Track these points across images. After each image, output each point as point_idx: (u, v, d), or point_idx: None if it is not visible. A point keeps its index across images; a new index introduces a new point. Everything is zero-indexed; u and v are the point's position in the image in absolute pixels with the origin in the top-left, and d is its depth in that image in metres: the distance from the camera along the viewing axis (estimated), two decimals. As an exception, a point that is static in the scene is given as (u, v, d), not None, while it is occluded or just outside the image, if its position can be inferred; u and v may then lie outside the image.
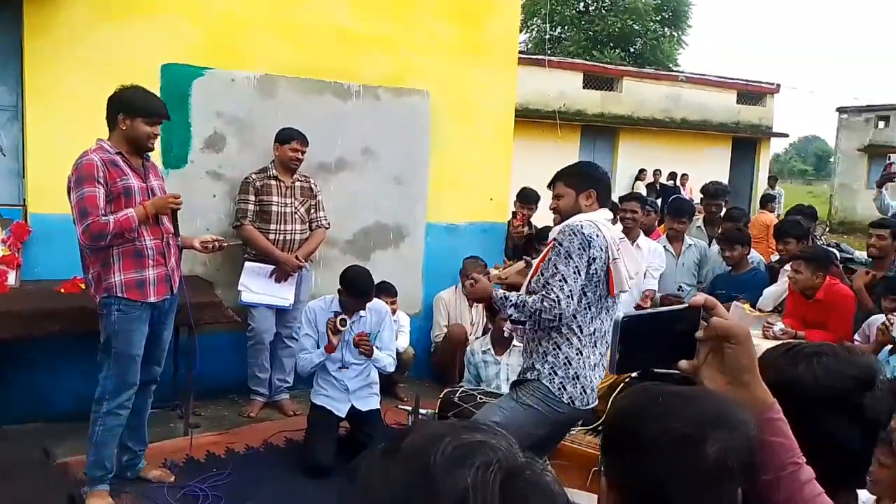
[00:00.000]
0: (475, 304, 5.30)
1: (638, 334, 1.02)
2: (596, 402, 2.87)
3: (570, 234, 2.71)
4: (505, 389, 3.94)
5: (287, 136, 4.49)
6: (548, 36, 27.38)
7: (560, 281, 2.68)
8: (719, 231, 5.67)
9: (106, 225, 3.12)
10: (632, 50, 29.20)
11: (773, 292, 4.69)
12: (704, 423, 0.90)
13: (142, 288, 3.28)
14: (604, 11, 28.92)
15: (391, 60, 5.16)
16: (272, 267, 4.50)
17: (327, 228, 4.73)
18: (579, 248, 2.69)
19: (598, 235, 2.73)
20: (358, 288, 3.99)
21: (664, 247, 5.29)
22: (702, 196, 6.14)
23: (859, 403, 1.21)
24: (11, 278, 4.05)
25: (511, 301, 2.79)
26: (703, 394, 0.96)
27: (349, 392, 4.07)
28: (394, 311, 4.69)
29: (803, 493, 0.97)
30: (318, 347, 4.03)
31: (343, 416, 4.06)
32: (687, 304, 1.03)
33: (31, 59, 4.10)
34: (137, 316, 3.29)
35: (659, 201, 13.70)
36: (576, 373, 2.76)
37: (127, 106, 3.24)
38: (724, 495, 0.90)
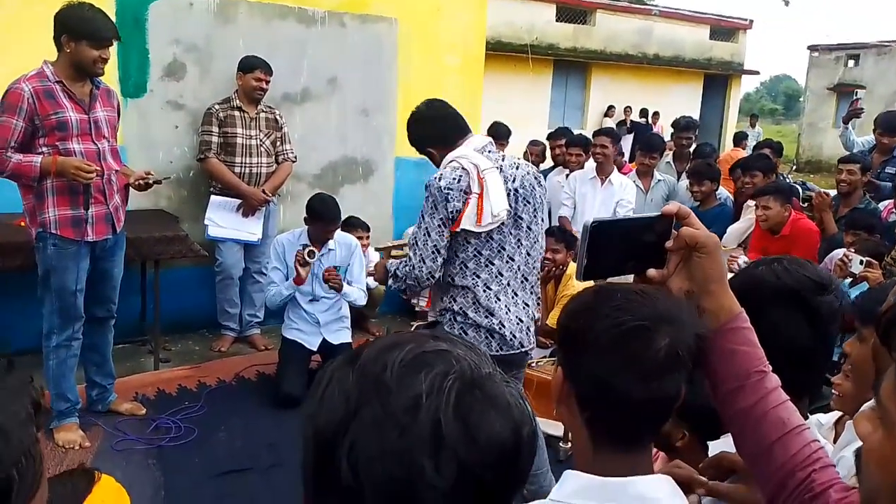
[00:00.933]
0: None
1: (607, 241, 1.01)
2: (525, 344, 2.73)
3: (426, 193, 2.57)
4: None
5: (250, 65, 4.34)
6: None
7: (421, 239, 2.57)
8: (688, 166, 5.69)
9: (5, 162, 2.94)
10: (605, -17, 28.64)
11: (737, 229, 4.74)
12: (655, 317, 0.92)
13: (78, 226, 3.14)
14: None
15: (357, -15, 4.97)
16: (239, 201, 4.41)
17: (294, 161, 4.64)
18: (432, 207, 2.54)
19: (458, 179, 2.53)
20: (324, 214, 3.94)
21: (633, 181, 5.30)
22: (672, 130, 6.14)
23: (815, 304, 1.29)
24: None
25: (390, 269, 2.72)
26: (656, 293, 0.97)
27: (320, 325, 4.08)
28: (365, 248, 4.67)
29: (768, 399, 0.98)
30: (287, 280, 4.01)
31: (314, 349, 4.07)
32: (659, 213, 1.02)
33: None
34: (74, 252, 3.15)
35: (630, 137, 13.74)
36: (475, 321, 2.62)
37: (71, 27, 2.98)
38: (670, 385, 0.93)
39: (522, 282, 2.70)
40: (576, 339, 0.97)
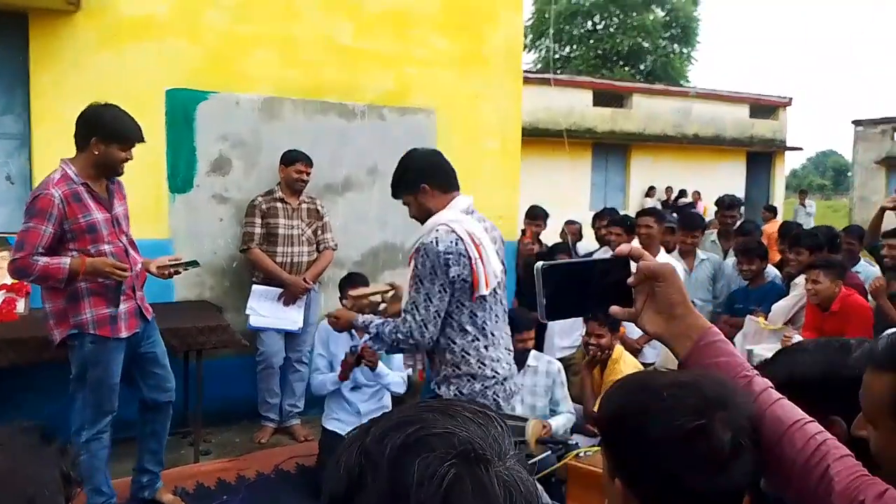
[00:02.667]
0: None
1: (562, 282, 1.05)
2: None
3: (422, 256, 2.52)
4: (519, 410, 3.86)
5: (291, 158, 4.48)
6: (556, 55, 27.51)
7: (422, 304, 2.53)
8: (735, 244, 5.58)
9: (32, 265, 2.94)
10: (641, 68, 29.27)
11: (784, 307, 4.56)
12: (709, 407, 0.92)
13: (114, 324, 3.17)
14: (612, 30, 29.04)
15: (394, 78, 5.15)
16: (280, 290, 4.46)
17: (335, 250, 4.70)
18: (431, 272, 2.51)
19: (456, 243, 2.51)
20: (356, 280, 4.00)
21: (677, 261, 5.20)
22: (716, 208, 6.06)
23: None
24: (20, 306, 4.04)
25: (372, 330, 2.66)
26: (698, 378, 0.97)
27: (360, 415, 4.01)
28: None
29: (760, 401, 0.98)
30: (331, 368, 3.99)
31: (354, 440, 3.98)
32: (612, 255, 1.09)
33: (37, 87, 4.13)
34: (113, 346, 3.18)
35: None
36: (480, 374, 2.67)
37: (102, 129, 3.03)
38: (739, 474, 0.92)
39: (504, 334, 2.78)
40: (630, 442, 0.95)
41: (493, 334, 2.68)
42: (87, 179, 3.09)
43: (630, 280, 1.06)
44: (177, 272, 3.43)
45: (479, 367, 2.65)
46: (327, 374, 4.00)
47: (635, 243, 5.20)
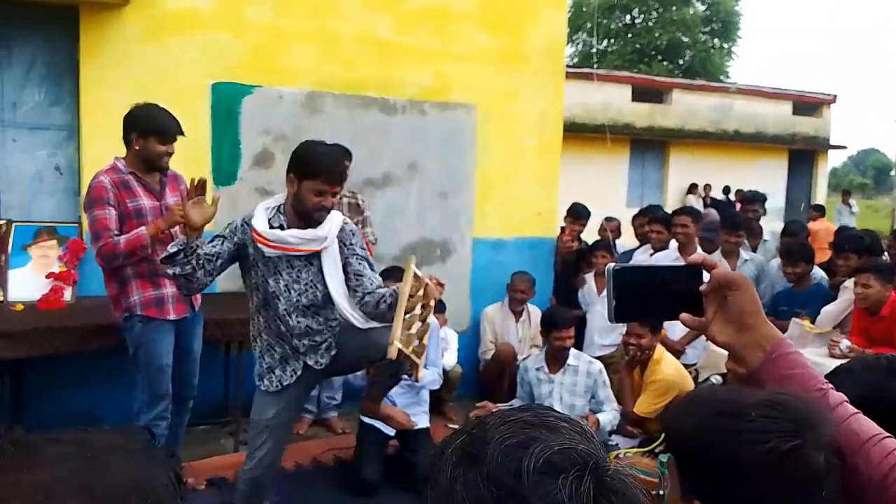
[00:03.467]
0: (518, 320, 5.20)
1: (632, 285, 1.06)
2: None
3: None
4: (558, 408, 3.84)
5: None
6: (594, 49, 27.24)
7: None
8: (778, 245, 5.47)
9: (116, 245, 3.16)
10: (680, 62, 28.81)
11: (832, 311, 4.46)
12: (800, 428, 0.90)
13: (160, 306, 3.32)
14: (651, 24, 28.63)
15: (435, 74, 5.14)
16: None
17: (374, 244, 4.71)
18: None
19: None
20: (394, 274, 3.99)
21: (718, 262, 5.10)
22: (739, 203, 5.96)
23: None
24: (68, 294, 4.13)
25: None
26: (785, 397, 0.95)
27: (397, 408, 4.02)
28: (442, 327, 4.64)
29: (836, 413, 0.96)
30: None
31: (392, 434, 4.00)
32: (685, 263, 1.09)
33: (86, 78, 4.20)
34: (160, 326, 3.33)
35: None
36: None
37: (139, 125, 3.24)
38: (830, 493, 0.90)
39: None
40: (717, 467, 0.92)
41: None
42: (137, 171, 3.29)
43: (702, 288, 1.05)
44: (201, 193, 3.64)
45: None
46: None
47: (674, 243, 5.13)
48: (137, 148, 3.25)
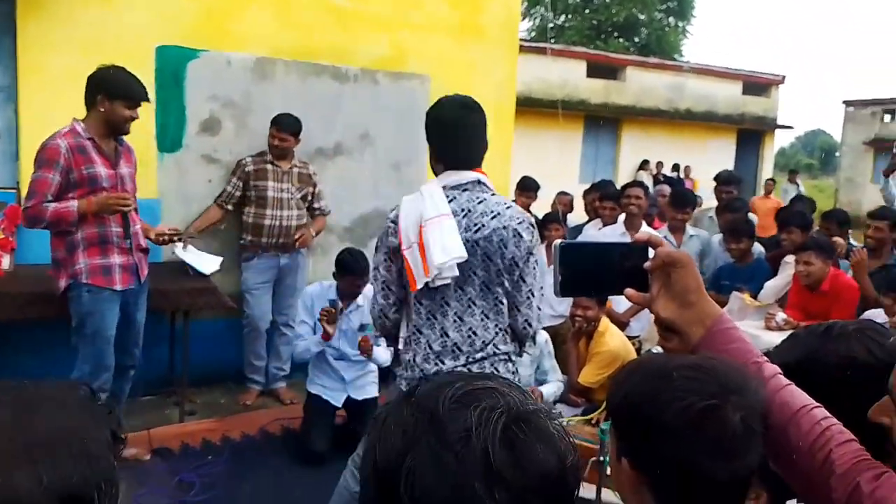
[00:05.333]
0: None
1: (579, 261, 1.09)
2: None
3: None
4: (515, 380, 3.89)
5: (271, 122, 4.42)
6: (551, 24, 27.23)
7: (371, 273, 2.42)
8: (720, 221, 5.60)
9: (44, 211, 3.10)
10: (636, 40, 29.05)
11: (775, 286, 4.61)
12: (721, 391, 0.93)
13: (107, 275, 3.27)
14: (608, 1, 28.73)
15: (389, 43, 5.08)
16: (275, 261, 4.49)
17: (327, 215, 4.68)
18: (379, 240, 2.35)
19: (405, 218, 2.26)
20: (353, 268, 3.91)
21: (665, 237, 5.21)
22: (715, 184, 6.08)
23: None
24: (6, 262, 4.00)
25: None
26: (711, 362, 0.99)
27: (345, 382, 4.03)
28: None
29: (769, 386, 1.00)
30: (315, 333, 3.98)
31: (339, 404, 4.01)
32: (632, 241, 1.11)
33: (25, 38, 4.03)
34: (107, 297, 3.28)
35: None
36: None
37: (107, 87, 3.16)
38: (751, 458, 0.93)
39: (463, 336, 2.31)
40: (643, 427, 0.95)
41: (445, 334, 2.29)
42: (96, 136, 3.21)
43: (647, 265, 1.08)
44: (171, 240, 3.67)
45: (409, 366, 2.33)
46: (309, 339, 3.97)
47: (622, 217, 5.22)
48: (102, 110, 3.17)
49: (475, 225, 2.25)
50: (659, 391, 0.94)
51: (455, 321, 2.28)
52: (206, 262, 4.25)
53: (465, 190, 2.30)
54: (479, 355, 2.30)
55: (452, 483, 0.68)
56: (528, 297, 2.34)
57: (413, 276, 2.23)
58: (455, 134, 2.34)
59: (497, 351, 2.33)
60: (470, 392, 0.74)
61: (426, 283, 2.23)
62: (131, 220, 3.35)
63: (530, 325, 2.37)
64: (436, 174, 2.37)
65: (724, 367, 0.96)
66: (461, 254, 2.19)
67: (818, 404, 0.99)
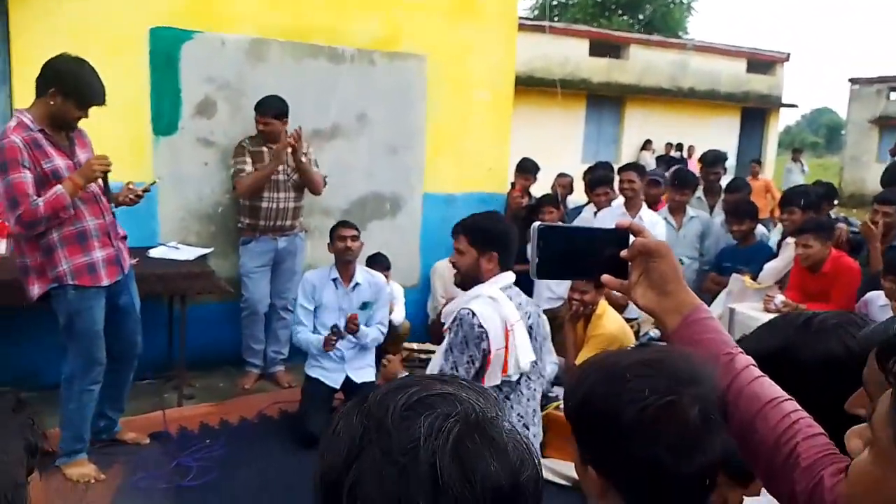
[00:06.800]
0: None
1: (558, 244, 1.08)
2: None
3: (458, 325, 2.56)
4: None
5: (255, 107, 4.34)
6: (553, 2, 26.94)
7: (448, 373, 2.56)
8: (722, 202, 5.56)
9: (37, 210, 2.91)
10: (640, 17, 28.72)
11: (775, 267, 4.58)
12: (675, 385, 0.91)
13: (93, 272, 3.14)
14: (612, -23, 28.38)
15: (386, 23, 5.01)
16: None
17: (325, 182, 4.58)
18: (462, 342, 2.54)
19: (490, 322, 2.54)
20: (344, 223, 4.11)
21: (665, 218, 5.18)
22: (700, 164, 6.03)
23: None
24: (2, 247, 3.98)
25: None
26: (663, 355, 0.97)
27: (344, 361, 4.04)
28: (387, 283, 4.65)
29: (740, 378, 0.99)
30: (315, 316, 4.04)
31: (338, 387, 4.02)
32: (613, 227, 1.10)
33: (17, 23, 3.98)
34: (94, 294, 3.17)
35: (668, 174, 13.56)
36: None
37: (64, 84, 2.95)
38: (713, 450, 0.91)
39: (533, 414, 2.77)
40: (602, 431, 0.93)
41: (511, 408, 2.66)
42: (46, 127, 3.02)
43: (623, 254, 1.07)
44: (139, 196, 3.37)
45: None
46: (310, 335, 4.02)
47: (620, 199, 5.17)
48: (52, 104, 2.96)
49: (526, 314, 2.69)
50: (613, 393, 0.92)
51: (527, 411, 2.69)
52: (186, 253, 4.27)
53: (511, 288, 2.68)
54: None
55: (396, 497, 0.64)
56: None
57: (486, 376, 2.55)
58: (511, 243, 2.74)
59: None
60: (423, 399, 0.69)
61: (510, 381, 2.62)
62: (104, 208, 3.21)
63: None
64: (481, 271, 2.66)
65: (676, 360, 0.95)
66: (534, 357, 2.66)
67: (789, 397, 0.98)
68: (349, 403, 0.74)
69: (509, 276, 2.67)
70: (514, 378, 2.62)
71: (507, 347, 2.53)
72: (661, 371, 0.92)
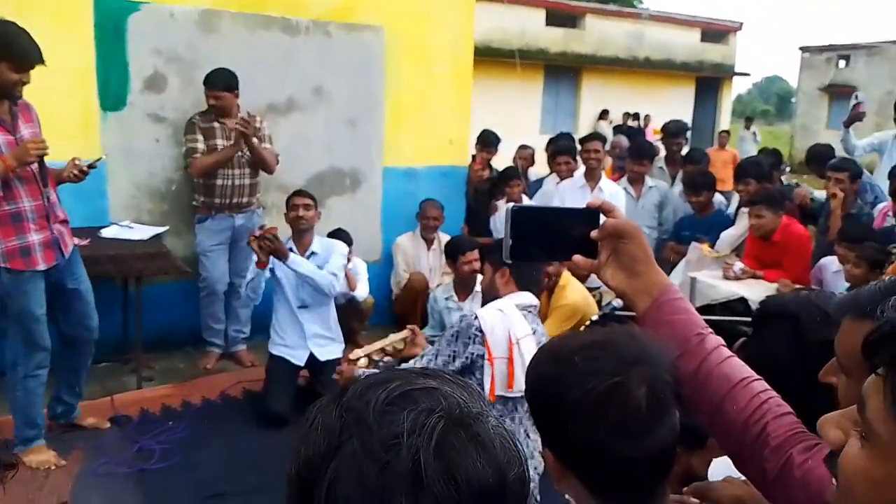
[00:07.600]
0: (432, 250, 5.22)
1: (531, 225, 1.07)
2: None
3: (459, 322, 2.60)
4: None
5: (203, 81, 4.20)
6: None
7: (430, 355, 2.57)
8: (681, 173, 5.62)
9: None
10: (596, -13, 28.67)
11: (731, 235, 4.68)
12: (623, 366, 0.89)
13: (27, 256, 3.00)
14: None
15: (341, -8, 4.89)
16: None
17: (277, 159, 4.46)
18: (454, 335, 2.55)
19: (491, 328, 2.52)
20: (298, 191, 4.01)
21: (624, 188, 5.22)
22: (662, 135, 6.08)
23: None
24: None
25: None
26: (611, 336, 0.96)
27: (306, 337, 3.98)
28: (348, 260, 4.57)
29: (710, 359, 0.99)
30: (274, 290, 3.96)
31: (302, 364, 3.98)
32: (584, 206, 1.09)
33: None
34: (29, 277, 3.04)
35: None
36: None
37: None
38: (665, 431, 0.89)
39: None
40: (551, 415, 0.92)
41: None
42: None
43: (593, 234, 1.06)
44: (84, 172, 3.23)
45: None
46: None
47: (581, 170, 5.20)
48: None
49: (539, 331, 2.64)
50: (561, 376, 0.91)
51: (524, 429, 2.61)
52: (140, 232, 4.15)
53: (530, 311, 2.64)
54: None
55: (376, 494, 0.61)
56: None
57: (494, 386, 2.50)
58: (525, 267, 2.66)
59: None
60: (406, 393, 0.66)
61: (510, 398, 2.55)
62: (43, 190, 3.03)
63: None
64: (497, 288, 2.66)
65: (624, 340, 0.94)
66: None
67: (758, 377, 0.99)
68: (327, 397, 0.71)
69: (528, 297, 2.67)
70: (522, 394, 2.59)
71: (511, 360, 2.51)
72: (608, 352, 0.91)
